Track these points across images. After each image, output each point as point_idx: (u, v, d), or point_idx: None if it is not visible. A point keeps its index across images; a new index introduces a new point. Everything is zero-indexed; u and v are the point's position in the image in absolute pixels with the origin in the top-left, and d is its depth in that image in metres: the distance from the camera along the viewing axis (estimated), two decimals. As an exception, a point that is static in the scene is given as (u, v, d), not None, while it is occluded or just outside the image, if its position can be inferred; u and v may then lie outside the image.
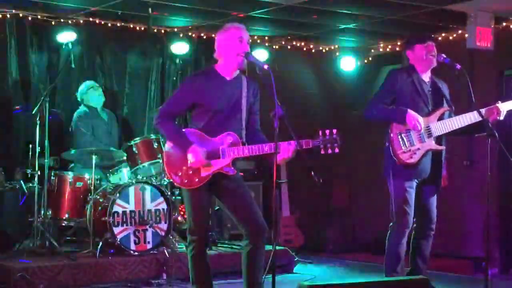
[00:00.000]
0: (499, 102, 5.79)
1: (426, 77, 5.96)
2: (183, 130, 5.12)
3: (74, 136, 7.83)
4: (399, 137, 5.78)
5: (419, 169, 5.81)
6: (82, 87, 7.98)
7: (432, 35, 6.31)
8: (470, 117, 5.78)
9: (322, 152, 4.93)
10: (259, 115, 5.26)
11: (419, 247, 6.01)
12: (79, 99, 7.98)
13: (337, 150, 4.91)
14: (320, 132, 4.92)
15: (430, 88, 5.95)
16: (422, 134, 5.78)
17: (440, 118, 5.87)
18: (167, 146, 5.14)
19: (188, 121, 5.23)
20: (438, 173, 5.93)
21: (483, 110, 5.65)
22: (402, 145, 5.77)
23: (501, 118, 5.76)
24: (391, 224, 5.88)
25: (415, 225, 5.97)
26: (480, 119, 5.63)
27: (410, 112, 5.73)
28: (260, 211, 5.15)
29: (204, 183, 5.02)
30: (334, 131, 4.93)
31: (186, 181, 5.04)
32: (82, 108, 7.94)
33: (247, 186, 5.25)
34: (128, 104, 8.76)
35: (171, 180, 5.15)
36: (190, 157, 4.96)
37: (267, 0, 7.43)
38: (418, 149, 5.78)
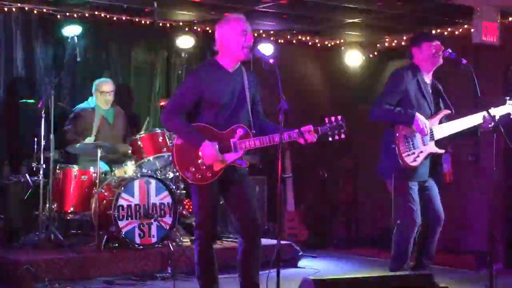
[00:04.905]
0: (492, 108, 5.72)
1: (428, 78, 5.93)
2: (192, 125, 5.02)
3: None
4: (405, 139, 5.75)
5: (419, 172, 5.79)
6: (97, 83, 7.91)
7: (439, 31, 6.29)
8: (471, 120, 5.77)
9: (330, 139, 4.93)
10: (261, 105, 5.23)
11: (426, 245, 5.97)
12: (92, 90, 7.95)
13: (343, 136, 4.93)
14: (326, 119, 4.94)
15: (430, 89, 5.93)
16: (425, 137, 5.76)
17: (440, 121, 5.87)
18: (176, 143, 5.07)
19: (195, 118, 5.06)
20: (437, 172, 5.92)
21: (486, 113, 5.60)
22: (407, 148, 5.74)
23: (491, 125, 5.59)
24: (398, 222, 5.84)
25: (422, 222, 5.95)
26: (481, 121, 5.64)
27: (418, 115, 5.70)
28: (258, 210, 5.13)
29: (216, 177, 4.99)
30: (339, 117, 4.95)
31: (199, 176, 4.97)
32: (88, 103, 7.91)
33: (251, 181, 5.24)
34: (134, 98, 8.77)
35: (183, 177, 5.04)
36: (203, 154, 4.91)
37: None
38: (421, 152, 5.76)
